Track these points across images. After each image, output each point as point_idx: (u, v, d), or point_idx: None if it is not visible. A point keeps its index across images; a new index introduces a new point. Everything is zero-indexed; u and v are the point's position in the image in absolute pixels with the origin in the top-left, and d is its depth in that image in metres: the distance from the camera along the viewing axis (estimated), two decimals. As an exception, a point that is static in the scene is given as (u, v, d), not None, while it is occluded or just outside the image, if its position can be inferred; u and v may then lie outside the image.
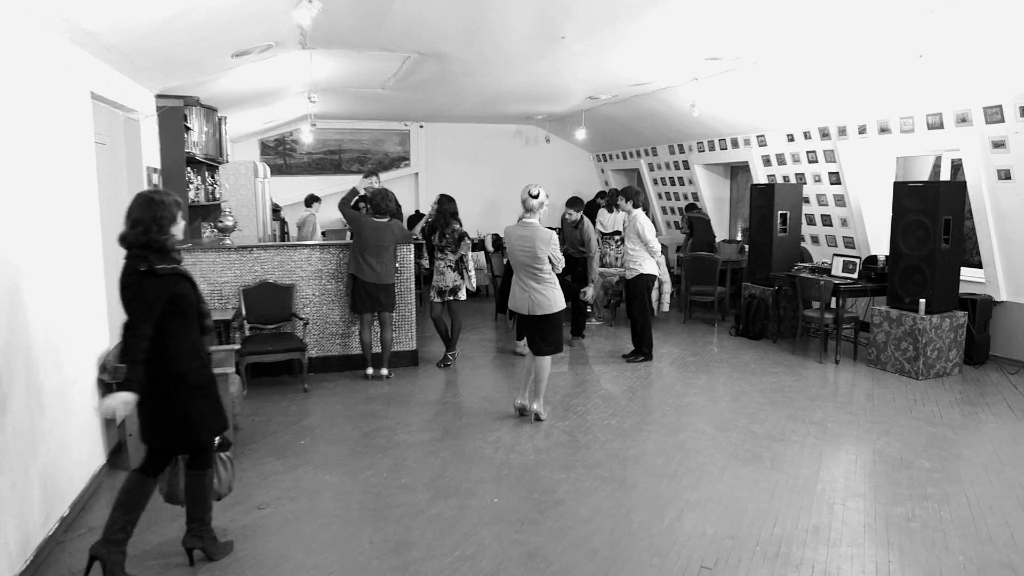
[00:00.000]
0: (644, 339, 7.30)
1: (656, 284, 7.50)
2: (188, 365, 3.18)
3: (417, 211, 12.33)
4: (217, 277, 6.38)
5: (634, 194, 7.36)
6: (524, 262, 5.26)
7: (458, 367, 7.10)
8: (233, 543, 3.54)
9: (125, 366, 2.92)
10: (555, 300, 5.28)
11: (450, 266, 6.88)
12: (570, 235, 7.92)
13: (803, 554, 3.50)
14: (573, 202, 8.00)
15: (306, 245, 6.92)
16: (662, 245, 7.87)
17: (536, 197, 5.27)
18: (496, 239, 11.27)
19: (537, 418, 5.43)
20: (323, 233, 11.01)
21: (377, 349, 6.67)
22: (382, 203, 6.48)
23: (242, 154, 11.27)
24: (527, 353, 5.57)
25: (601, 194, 11.54)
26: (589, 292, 7.46)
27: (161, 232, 3.04)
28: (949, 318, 6.56)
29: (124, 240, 3.06)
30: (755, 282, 8.41)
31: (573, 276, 7.74)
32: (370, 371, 6.58)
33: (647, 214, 8.35)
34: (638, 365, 7.15)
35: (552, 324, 5.33)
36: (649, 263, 7.18)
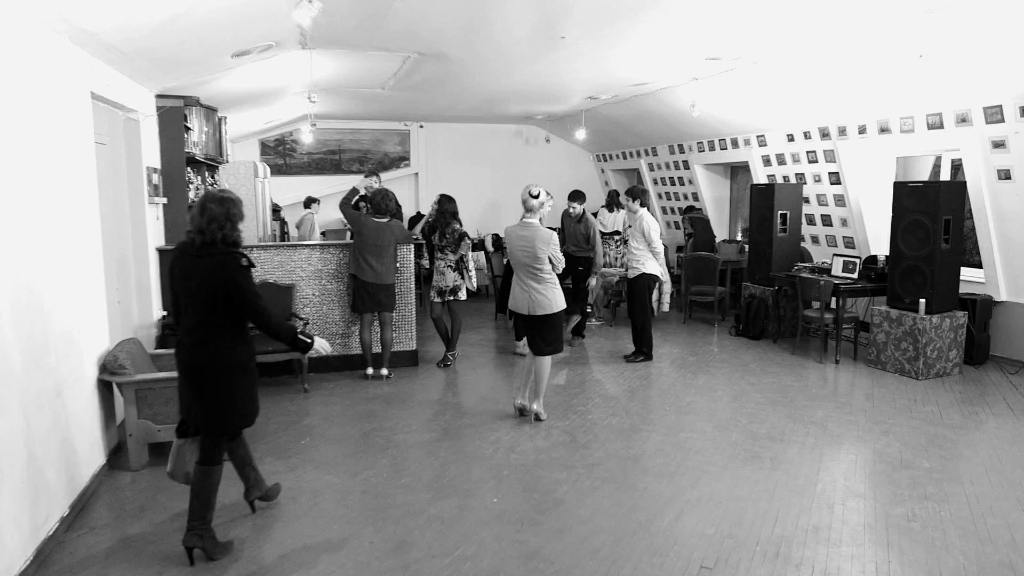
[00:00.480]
0: (644, 339, 7.30)
1: (656, 284, 7.48)
2: (253, 350, 3.49)
3: (418, 211, 12.32)
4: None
5: (641, 193, 7.25)
6: (524, 262, 5.26)
7: (458, 367, 7.10)
8: (233, 543, 3.54)
9: (298, 328, 3.57)
10: (555, 300, 5.28)
11: (450, 266, 6.88)
12: (572, 231, 7.83)
13: (803, 554, 3.50)
14: (576, 195, 7.83)
15: (306, 245, 6.92)
16: (663, 246, 7.86)
17: (536, 197, 5.27)
18: (496, 239, 11.27)
19: (537, 418, 5.43)
20: (322, 233, 11.01)
21: (377, 349, 6.68)
22: (382, 203, 6.48)
23: (242, 154, 11.28)
24: (527, 353, 5.57)
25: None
26: (592, 283, 7.38)
27: (233, 228, 3.30)
28: (949, 318, 6.56)
29: (201, 234, 3.25)
30: (755, 282, 8.41)
31: (573, 276, 7.71)
32: (370, 371, 6.59)
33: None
34: (638, 365, 7.15)
35: (552, 324, 5.33)
36: (652, 263, 7.16)
